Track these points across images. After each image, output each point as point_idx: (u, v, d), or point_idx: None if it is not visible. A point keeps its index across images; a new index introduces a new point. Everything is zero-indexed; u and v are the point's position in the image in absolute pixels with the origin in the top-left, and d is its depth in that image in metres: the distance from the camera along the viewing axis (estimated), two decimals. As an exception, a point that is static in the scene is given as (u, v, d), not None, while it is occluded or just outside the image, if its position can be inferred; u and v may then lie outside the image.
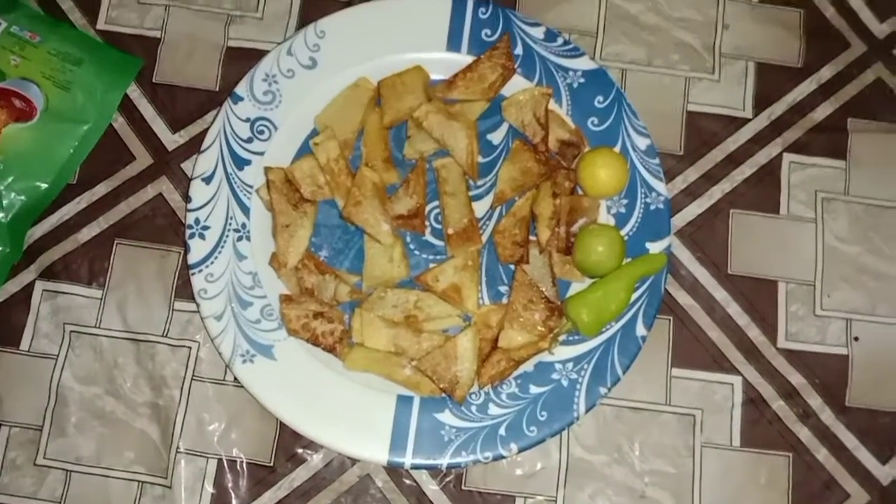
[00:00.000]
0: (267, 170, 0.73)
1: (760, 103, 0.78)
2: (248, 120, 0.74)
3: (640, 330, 0.70)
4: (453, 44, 0.76)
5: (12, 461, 0.71)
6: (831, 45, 0.80)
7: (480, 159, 0.76)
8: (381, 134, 0.75)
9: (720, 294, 0.74)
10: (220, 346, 0.70)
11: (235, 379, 0.71)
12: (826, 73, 0.79)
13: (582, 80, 0.75)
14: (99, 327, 0.73)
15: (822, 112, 0.78)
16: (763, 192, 0.77)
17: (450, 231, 0.72)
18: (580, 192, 0.74)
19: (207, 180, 0.73)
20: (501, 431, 0.69)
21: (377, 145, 0.75)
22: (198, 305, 0.70)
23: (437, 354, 0.69)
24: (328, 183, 0.73)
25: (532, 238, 0.73)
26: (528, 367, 0.71)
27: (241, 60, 0.78)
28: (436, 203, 0.75)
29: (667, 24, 0.80)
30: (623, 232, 0.72)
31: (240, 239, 0.72)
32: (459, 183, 0.74)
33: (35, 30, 0.76)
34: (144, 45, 0.79)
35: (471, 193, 0.75)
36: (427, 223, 0.75)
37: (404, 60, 0.76)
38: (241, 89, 0.74)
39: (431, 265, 0.73)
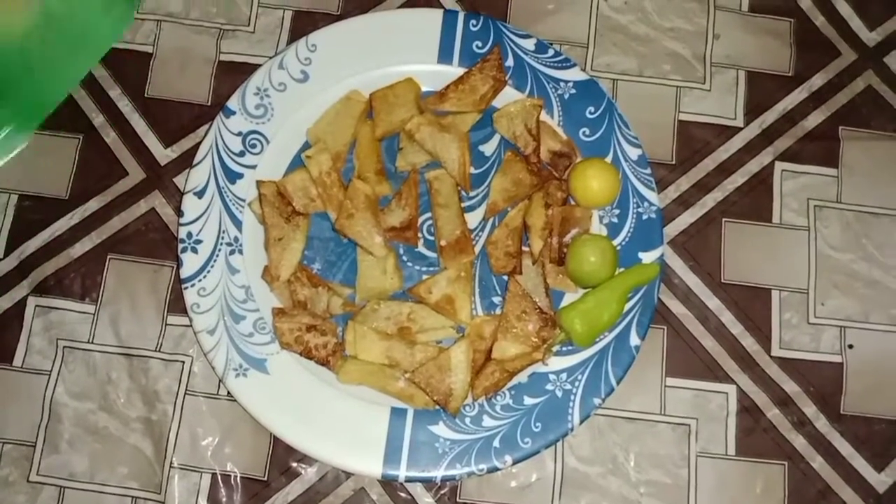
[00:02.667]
0: (259, 183, 0.73)
1: (752, 112, 0.79)
2: (240, 133, 0.74)
3: (634, 340, 0.70)
4: (444, 56, 0.76)
5: (5, 478, 0.70)
6: (822, 54, 0.80)
7: (473, 170, 0.76)
8: (374, 146, 0.76)
9: (714, 303, 0.74)
10: (213, 360, 0.69)
11: (229, 393, 0.70)
12: (817, 81, 0.79)
13: (573, 91, 0.75)
14: (92, 342, 0.73)
15: (813, 120, 0.78)
16: (755, 201, 0.77)
17: (442, 243, 0.72)
18: (572, 202, 0.74)
19: (200, 194, 0.73)
20: (496, 443, 0.68)
21: (369, 157, 0.75)
22: (191, 320, 0.70)
23: (430, 366, 0.69)
24: (320, 195, 0.73)
25: (525, 249, 0.73)
26: (522, 378, 0.71)
27: (232, 74, 0.78)
28: (428, 215, 0.75)
29: (657, 35, 0.80)
30: (615, 242, 0.72)
31: (232, 252, 0.72)
32: (452, 194, 0.74)
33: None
34: (136, 60, 0.79)
35: (463, 205, 0.75)
36: (420, 235, 0.75)
37: (396, 73, 0.76)
38: (232, 103, 0.74)
39: (424, 277, 0.73)
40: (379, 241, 0.71)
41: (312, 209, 0.73)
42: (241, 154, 0.74)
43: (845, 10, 0.81)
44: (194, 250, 0.72)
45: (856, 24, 0.81)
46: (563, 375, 0.70)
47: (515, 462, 0.68)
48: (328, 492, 0.70)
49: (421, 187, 0.75)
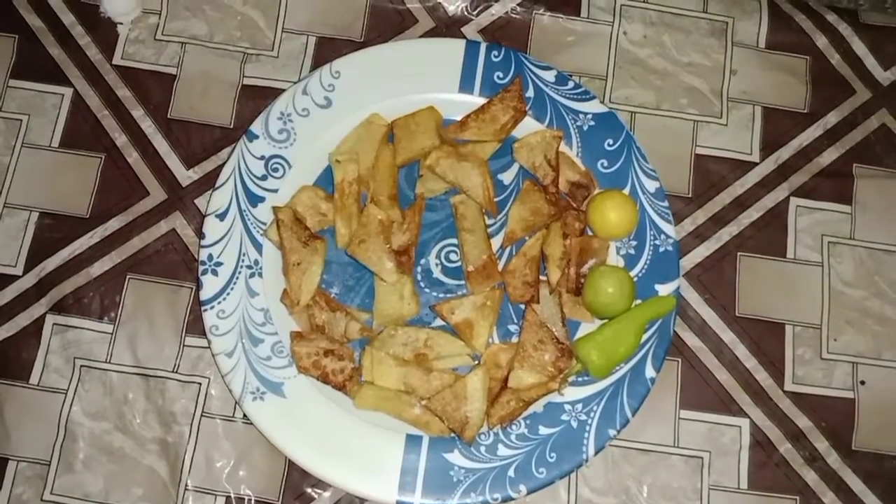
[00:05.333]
0: (276, 209, 0.73)
1: (767, 147, 0.80)
2: (262, 158, 0.75)
3: (650, 372, 0.71)
4: (466, 85, 0.77)
5: (19, 496, 0.70)
6: (837, 92, 0.81)
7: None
8: (391, 171, 0.76)
9: (728, 336, 0.75)
10: (230, 383, 0.70)
11: (245, 416, 0.71)
12: (832, 118, 0.80)
13: (592, 123, 0.76)
14: (109, 362, 0.73)
15: (828, 157, 0.79)
16: (770, 236, 0.77)
17: (470, 268, 0.73)
18: (590, 233, 0.75)
19: (221, 217, 0.73)
20: (511, 473, 0.69)
21: (386, 181, 0.76)
22: (209, 342, 0.71)
23: (446, 394, 0.69)
24: (334, 204, 0.73)
25: (542, 278, 0.74)
26: (537, 407, 0.71)
27: (255, 98, 0.79)
28: (447, 241, 0.76)
29: (675, 69, 0.81)
30: (632, 273, 0.73)
31: (252, 275, 0.73)
32: (477, 219, 0.75)
33: None
34: (160, 82, 0.80)
35: (483, 231, 0.75)
36: (438, 261, 0.75)
37: (417, 101, 0.77)
38: (256, 127, 0.75)
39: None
40: (390, 267, 0.72)
41: (325, 225, 0.74)
42: (264, 178, 0.74)
43: (860, 49, 0.82)
44: (215, 273, 0.72)
45: (870, 62, 0.82)
46: (579, 406, 0.71)
47: (530, 492, 0.68)
48: (342, 517, 0.70)
49: (440, 214, 0.76)
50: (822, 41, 0.82)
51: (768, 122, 0.80)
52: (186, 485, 0.70)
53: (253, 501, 0.70)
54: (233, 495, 0.70)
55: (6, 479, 0.70)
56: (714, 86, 0.81)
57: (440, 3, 0.82)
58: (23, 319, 0.74)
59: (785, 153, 0.79)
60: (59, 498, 0.70)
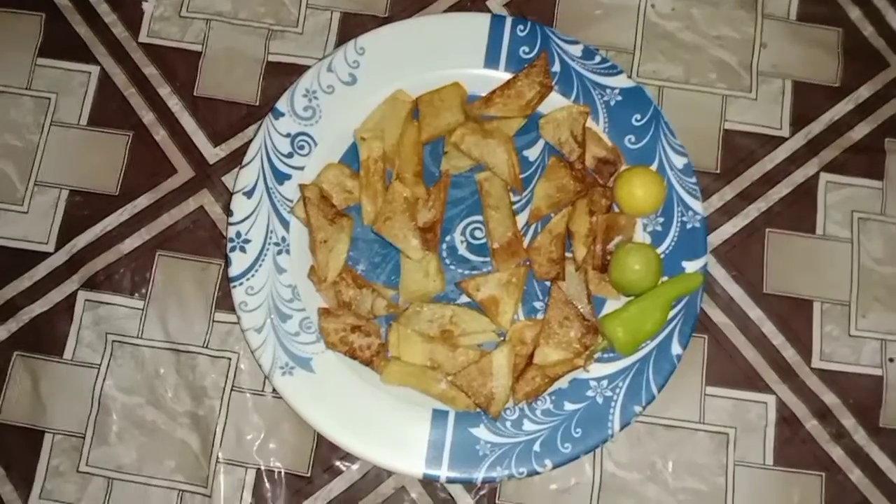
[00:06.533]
0: (302, 187, 0.73)
1: (797, 122, 0.78)
2: (288, 135, 0.75)
3: (676, 349, 0.71)
4: (491, 60, 0.77)
5: (56, 468, 0.72)
6: (869, 65, 0.80)
7: (517, 175, 0.76)
8: (416, 148, 0.76)
9: (755, 313, 0.74)
10: (259, 358, 0.71)
11: (274, 390, 0.72)
12: (864, 92, 0.79)
13: (619, 98, 0.76)
14: (141, 337, 0.74)
15: (859, 132, 0.78)
16: (799, 212, 0.77)
17: (495, 245, 0.73)
18: (616, 209, 0.75)
19: (249, 194, 0.74)
20: (536, 447, 0.69)
21: (410, 158, 0.76)
22: (238, 318, 0.71)
23: (472, 370, 0.70)
24: (360, 181, 0.74)
25: (568, 255, 0.74)
26: (562, 383, 0.71)
27: (281, 75, 0.79)
28: (473, 218, 0.76)
29: (704, 43, 0.80)
30: (659, 250, 0.73)
31: (279, 252, 0.73)
32: (503, 196, 0.74)
33: None
34: (186, 59, 0.80)
35: (509, 208, 0.75)
36: (463, 238, 0.76)
37: (442, 77, 0.76)
38: (281, 105, 0.75)
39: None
40: (415, 244, 0.72)
41: (351, 202, 0.75)
42: (290, 155, 0.75)
43: (894, 21, 0.81)
44: (243, 249, 0.73)
45: (904, 34, 0.81)
46: (604, 382, 0.71)
47: (555, 466, 0.69)
48: (369, 490, 0.71)
49: (466, 190, 0.76)
50: (855, 13, 0.81)
51: (798, 96, 0.79)
52: (218, 457, 0.72)
53: (283, 474, 0.72)
54: (263, 468, 0.72)
55: (43, 451, 0.72)
56: (743, 59, 0.80)
57: (465, -24, 0.81)
58: (55, 295, 0.75)
59: (815, 128, 0.78)
60: (94, 469, 0.72)
